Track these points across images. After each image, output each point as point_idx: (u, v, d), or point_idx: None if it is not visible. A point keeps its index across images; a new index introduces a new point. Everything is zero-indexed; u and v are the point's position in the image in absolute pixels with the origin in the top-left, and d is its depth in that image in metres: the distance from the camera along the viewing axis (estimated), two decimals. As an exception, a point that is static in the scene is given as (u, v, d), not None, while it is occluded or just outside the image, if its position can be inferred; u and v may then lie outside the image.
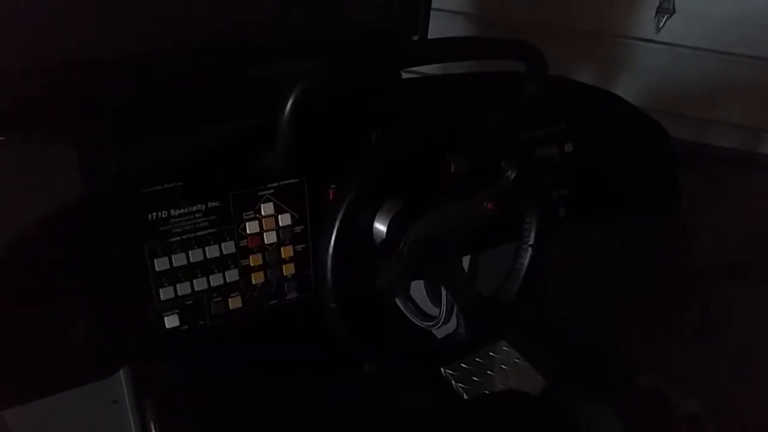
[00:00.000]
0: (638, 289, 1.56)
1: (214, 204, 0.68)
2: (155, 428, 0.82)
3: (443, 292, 1.01)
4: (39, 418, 0.70)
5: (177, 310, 0.69)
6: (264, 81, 0.84)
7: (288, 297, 0.75)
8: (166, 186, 0.65)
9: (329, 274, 0.64)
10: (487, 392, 1.21)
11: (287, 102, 0.65)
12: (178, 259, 0.68)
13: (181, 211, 0.67)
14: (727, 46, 1.92)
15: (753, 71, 1.94)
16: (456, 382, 1.21)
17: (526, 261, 0.79)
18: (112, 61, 0.80)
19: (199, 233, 0.68)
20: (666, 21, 1.96)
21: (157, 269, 0.67)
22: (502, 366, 1.26)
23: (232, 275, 0.71)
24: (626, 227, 1.44)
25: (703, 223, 1.80)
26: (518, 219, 0.78)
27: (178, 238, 0.67)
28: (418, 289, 0.86)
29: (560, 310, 1.43)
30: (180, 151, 0.67)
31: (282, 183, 0.71)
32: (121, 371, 0.77)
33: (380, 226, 0.71)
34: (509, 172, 0.73)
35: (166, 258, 0.67)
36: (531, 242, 0.78)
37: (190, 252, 0.68)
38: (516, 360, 1.27)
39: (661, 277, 1.62)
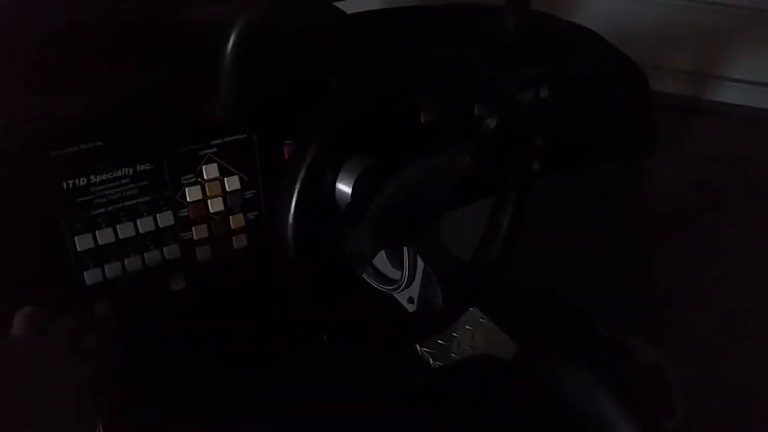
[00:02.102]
0: (594, 239, 1.54)
1: (144, 167, 0.60)
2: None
3: (405, 253, 0.93)
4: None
5: (107, 297, 0.60)
6: (201, 22, 0.72)
7: (240, 274, 0.67)
8: (82, 146, 0.56)
9: (292, 246, 0.55)
10: (454, 355, 1.15)
11: (230, 38, 0.54)
12: (104, 236, 0.60)
13: (104, 176, 0.58)
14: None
15: (700, 15, 1.94)
16: (421, 347, 1.15)
17: (506, 221, 0.71)
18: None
19: (127, 203, 0.60)
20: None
21: (79, 249, 0.58)
22: (467, 327, 1.22)
23: (172, 252, 0.63)
24: (586, 176, 1.41)
25: (653, 170, 1.80)
26: (495, 173, 0.70)
27: (102, 210, 0.59)
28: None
29: (519, 266, 1.39)
30: (99, 103, 0.57)
31: (227, 139, 0.62)
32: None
33: (344, 187, 0.62)
34: (489, 120, 0.65)
35: (89, 235, 0.59)
36: (511, 199, 0.70)
37: (118, 226, 0.60)
38: (480, 320, 1.23)
39: (616, 225, 1.61)
